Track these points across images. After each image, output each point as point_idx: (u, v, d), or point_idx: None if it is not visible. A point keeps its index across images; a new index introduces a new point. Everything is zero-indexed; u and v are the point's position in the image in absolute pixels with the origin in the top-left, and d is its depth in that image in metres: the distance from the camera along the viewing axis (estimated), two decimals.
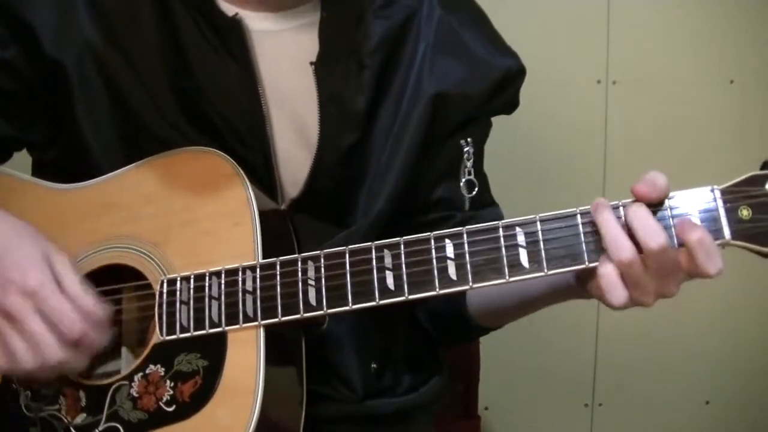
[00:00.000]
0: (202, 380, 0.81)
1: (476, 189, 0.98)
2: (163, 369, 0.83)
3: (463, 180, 0.98)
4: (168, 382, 0.82)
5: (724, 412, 1.88)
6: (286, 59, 0.94)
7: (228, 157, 0.88)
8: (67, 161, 0.96)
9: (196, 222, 0.86)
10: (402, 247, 0.79)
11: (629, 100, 1.74)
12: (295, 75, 0.94)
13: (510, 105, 1.03)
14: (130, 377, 0.84)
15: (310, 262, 0.81)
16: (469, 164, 0.97)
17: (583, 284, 0.78)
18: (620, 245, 0.71)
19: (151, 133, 0.92)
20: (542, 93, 1.65)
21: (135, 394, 0.83)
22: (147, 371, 0.83)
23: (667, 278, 0.72)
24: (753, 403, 1.88)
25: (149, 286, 0.87)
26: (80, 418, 0.84)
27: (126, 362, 0.90)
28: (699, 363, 1.84)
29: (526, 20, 1.69)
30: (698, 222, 0.73)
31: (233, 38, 0.91)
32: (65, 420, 0.84)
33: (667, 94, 1.74)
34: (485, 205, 1.02)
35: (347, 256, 0.80)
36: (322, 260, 0.81)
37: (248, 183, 0.86)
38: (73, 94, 0.92)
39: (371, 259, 0.80)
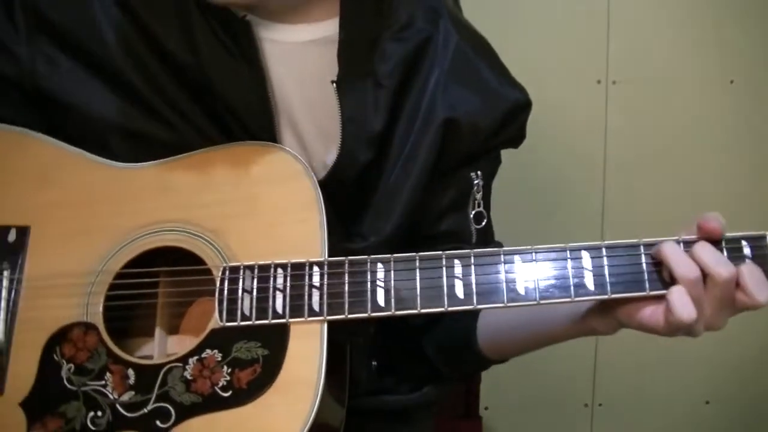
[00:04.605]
0: (261, 369, 0.82)
1: (485, 221, 0.99)
2: (220, 354, 0.83)
3: (473, 213, 0.99)
4: (225, 367, 0.83)
5: (724, 412, 1.88)
6: (289, 70, 0.94)
7: (296, 154, 0.89)
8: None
9: (261, 214, 0.87)
10: (472, 259, 0.82)
11: (629, 100, 1.74)
12: (296, 88, 0.94)
13: (516, 138, 1.03)
14: (184, 360, 0.84)
15: (380, 264, 0.83)
16: (478, 197, 0.98)
17: (609, 310, 0.82)
18: (690, 266, 0.76)
19: (160, 116, 0.93)
20: (542, 93, 1.65)
21: (189, 377, 0.83)
22: (203, 355, 0.84)
23: (724, 310, 0.77)
24: (753, 403, 1.88)
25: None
26: (127, 396, 0.84)
27: (159, 346, 0.90)
28: (699, 363, 1.84)
29: (526, 20, 1.69)
30: (752, 262, 0.78)
31: (243, 40, 0.91)
32: (111, 396, 0.84)
33: (667, 94, 1.74)
34: (489, 241, 1.02)
35: (417, 262, 0.83)
36: (392, 264, 0.83)
37: (316, 182, 0.87)
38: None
39: (442, 267, 0.82)
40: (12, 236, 0.91)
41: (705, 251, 0.76)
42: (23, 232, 0.91)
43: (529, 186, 1.72)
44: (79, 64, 0.94)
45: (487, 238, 1.01)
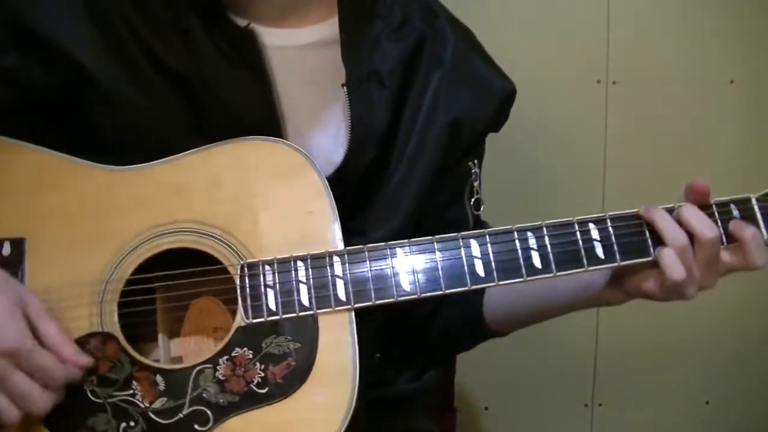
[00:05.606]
0: (295, 362, 0.83)
1: (483, 207, 1.03)
2: (251, 352, 0.84)
3: (472, 200, 1.03)
4: (258, 364, 0.83)
5: (724, 412, 1.88)
6: (291, 74, 0.94)
7: (297, 146, 0.89)
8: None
9: (270, 208, 0.88)
10: (487, 237, 0.85)
11: (629, 100, 1.74)
12: (298, 91, 0.94)
13: (500, 123, 1.06)
14: (213, 360, 0.84)
15: (398, 249, 0.85)
16: (476, 184, 1.03)
17: (618, 283, 0.87)
18: (679, 233, 0.82)
19: (158, 140, 0.92)
20: (542, 93, 1.65)
21: (221, 377, 0.83)
22: (233, 354, 0.84)
23: (711, 269, 0.83)
24: (753, 403, 1.88)
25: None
26: (159, 403, 0.83)
27: (163, 350, 0.90)
28: (699, 363, 1.84)
29: (526, 20, 1.69)
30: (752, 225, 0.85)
31: (247, 49, 0.91)
32: (142, 405, 0.83)
33: (667, 94, 1.74)
34: (482, 223, 1.05)
35: (435, 244, 0.85)
36: (410, 247, 0.86)
37: (322, 173, 0.88)
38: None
39: (459, 248, 0.85)
40: (6, 250, 0.87)
41: (690, 213, 0.82)
42: (18, 244, 0.87)
43: (529, 186, 1.72)
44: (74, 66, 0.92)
45: (480, 222, 1.04)
